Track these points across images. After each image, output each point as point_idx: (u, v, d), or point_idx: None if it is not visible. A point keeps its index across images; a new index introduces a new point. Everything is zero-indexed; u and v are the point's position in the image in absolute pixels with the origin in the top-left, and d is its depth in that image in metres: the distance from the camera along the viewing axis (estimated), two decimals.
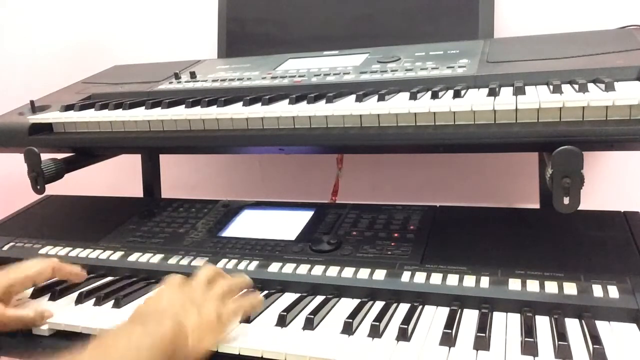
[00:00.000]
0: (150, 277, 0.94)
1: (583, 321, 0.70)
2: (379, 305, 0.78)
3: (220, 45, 1.37)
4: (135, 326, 0.64)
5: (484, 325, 0.69)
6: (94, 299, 0.86)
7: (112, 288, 0.89)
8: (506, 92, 0.79)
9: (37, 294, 0.89)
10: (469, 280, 0.79)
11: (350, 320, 0.72)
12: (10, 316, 0.80)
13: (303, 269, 0.87)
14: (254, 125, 0.89)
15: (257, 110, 0.87)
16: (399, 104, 0.80)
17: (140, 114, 0.95)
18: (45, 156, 1.01)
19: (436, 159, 1.37)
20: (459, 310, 0.75)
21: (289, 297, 0.83)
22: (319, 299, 0.82)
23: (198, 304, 0.70)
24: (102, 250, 1.02)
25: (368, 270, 0.84)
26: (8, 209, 1.28)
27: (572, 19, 1.19)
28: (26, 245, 1.08)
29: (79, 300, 0.86)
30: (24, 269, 0.84)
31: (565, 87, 0.76)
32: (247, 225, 1.06)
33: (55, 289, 0.89)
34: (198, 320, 0.68)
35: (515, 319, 0.73)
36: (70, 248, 1.04)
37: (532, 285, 0.76)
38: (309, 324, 0.73)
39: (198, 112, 0.91)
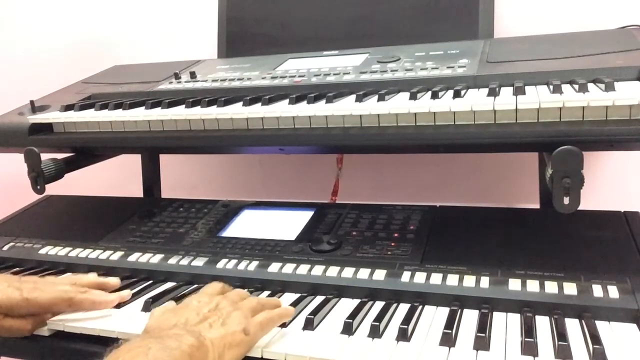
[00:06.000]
0: (150, 277, 0.94)
1: (583, 321, 0.70)
2: (379, 305, 0.78)
3: (220, 45, 1.37)
4: (153, 341, 0.61)
5: (484, 325, 0.69)
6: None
7: None
8: (506, 92, 0.79)
9: None
10: (469, 280, 0.79)
11: (350, 321, 0.72)
12: (7, 327, 0.78)
13: (303, 269, 0.87)
14: (254, 125, 0.89)
15: (257, 110, 0.87)
16: (399, 104, 0.80)
17: (140, 114, 0.95)
18: (45, 156, 1.01)
19: (436, 159, 1.37)
20: (459, 311, 0.75)
21: (289, 297, 0.83)
22: (319, 299, 0.82)
23: (224, 315, 0.68)
24: (102, 250, 1.02)
25: (368, 270, 0.84)
26: (8, 209, 1.28)
27: (572, 19, 1.19)
28: (26, 245, 1.08)
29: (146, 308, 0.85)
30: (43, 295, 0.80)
31: (565, 87, 0.76)
32: (247, 225, 1.06)
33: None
34: (221, 333, 0.65)
35: (515, 319, 0.73)
36: (70, 248, 1.04)
37: (532, 285, 0.76)
38: (309, 324, 0.73)
39: (198, 112, 0.91)
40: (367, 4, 1.25)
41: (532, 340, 0.65)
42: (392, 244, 0.91)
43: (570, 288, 0.74)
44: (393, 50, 1.10)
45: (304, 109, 0.84)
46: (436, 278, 0.80)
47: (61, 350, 0.80)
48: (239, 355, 0.66)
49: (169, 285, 0.92)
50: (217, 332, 0.65)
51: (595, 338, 0.64)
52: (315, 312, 0.76)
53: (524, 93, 0.76)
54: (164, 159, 1.40)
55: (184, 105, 0.94)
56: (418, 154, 1.35)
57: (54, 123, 1.04)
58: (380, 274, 0.83)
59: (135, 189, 1.37)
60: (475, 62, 0.96)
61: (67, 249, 1.04)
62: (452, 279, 0.79)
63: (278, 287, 0.86)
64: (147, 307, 0.82)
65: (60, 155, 1.06)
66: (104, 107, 1.01)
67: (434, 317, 0.75)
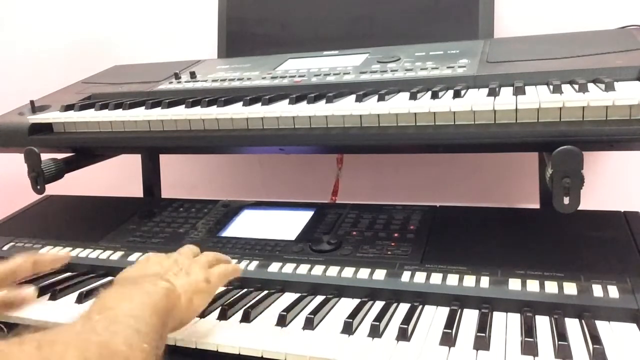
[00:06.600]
0: None
1: (583, 321, 0.70)
2: (379, 305, 0.78)
3: (220, 45, 1.37)
4: (132, 287, 0.65)
5: (484, 325, 0.69)
6: (94, 299, 0.86)
7: None
8: (506, 92, 0.79)
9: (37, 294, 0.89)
10: (469, 280, 0.79)
11: (350, 320, 0.72)
12: None
13: (303, 269, 0.87)
14: (254, 125, 0.89)
15: (257, 110, 0.87)
16: (399, 104, 0.80)
17: (140, 114, 0.95)
18: (45, 156, 1.01)
19: (436, 159, 1.37)
20: (459, 310, 0.75)
21: (289, 297, 0.83)
22: (319, 299, 0.82)
23: (185, 269, 0.72)
24: (102, 250, 1.02)
25: (368, 270, 0.84)
26: (8, 209, 1.28)
27: (572, 19, 1.19)
28: (26, 245, 1.08)
29: (79, 300, 0.86)
30: (2, 265, 0.83)
31: (565, 87, 0.76)
32: (247, 225, 1.06)
33: (55, 289, 0.89)
34: (187, 282, 0.70)
35: (515, 319, 0.73)
36: (70, 248, 1.04)
37: (532, 285, 0.76)
38: (309, 324, 0.73)
39: (198, 112, 0.91)
40: (367, 4, 1.25)
41: (532, 340, 0.65)
42: (392, 244, 0.91)
43: (570, 288, 0.74)
44: (393, 50, 1.10)
45: (304, 109, 0.84)
46: (436, 278, 0.80)
47: None
48: (205, 302, 0.72)
49: None
50: (184, 280, 0.70)
51: (595, 338, 0.64)
52: (315, 311, 0.76)
53: (524, 93, 0.76)
54: (164, 159, 1.40)
55: (184, 105, 0.94)
56: (418, 154, 1.35)
57: (54, 123, 1.04)
58: (380, 274, 0.83)
59: (135, 189, 1.37)
60: (475, 62, 0.96)
61: (67, 249, 1.04)
62: (452, 279, 0.79)
63: (278, 287, 0.86)
64: None
65: (60, 155, 1.06)
66: (104, 107, 1.01)
67: (434, 317, 0.75)
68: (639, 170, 1.23)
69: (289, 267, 0.88)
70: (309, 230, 1.00)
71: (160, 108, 0.96)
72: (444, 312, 0.75)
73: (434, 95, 0.80)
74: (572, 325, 0.69)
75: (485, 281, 0.78)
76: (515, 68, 0.91)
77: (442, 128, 0.78)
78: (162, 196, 1.38)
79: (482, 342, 0.66)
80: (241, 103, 0.90)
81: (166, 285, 0.66)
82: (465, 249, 0.87)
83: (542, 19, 1.23)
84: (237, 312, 0.79)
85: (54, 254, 0.90)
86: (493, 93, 0.77)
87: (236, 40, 1.35)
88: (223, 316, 0.77)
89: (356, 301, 0.80)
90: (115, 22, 1.62)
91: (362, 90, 0.88)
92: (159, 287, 0.65)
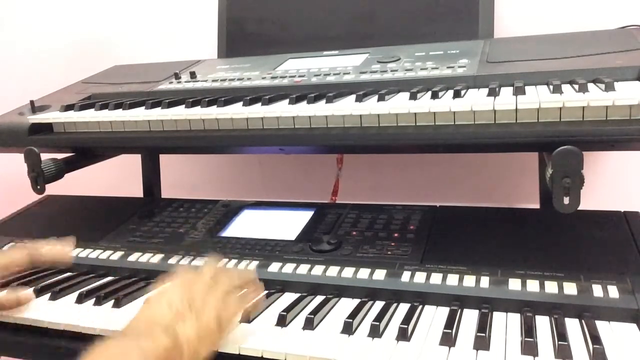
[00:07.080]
0: (150, 277, 0.94)
1: (583, 321, 0.70)
2: (379, 305, 0.78)
3: (220, 45, 1.37)
4: (129, 342, 0.62)
5: (484, 325, 0.69)
6: (94, 299, 0.86)
7: (112, 288, 0.89)
8: (506, 92, 0.79)
9: (36, 294, 0.89)
10: (469, 280, 0.79)
11: (350, 320, 0.72)
12: None
13: (303, 269, 0.87)
14: (254, 125, 0.89)
15: (257, 110, 0.87)
16: (399, 104, 0.80)
17: (140, 114, 0.95)
18: (45, 156, 1.01)
19: (436, 159, 1.37)
20: (459, 310, 0.75)
21: (289, 297, 0.83)
22: (319, 299, 0.82)
23: (198, 309, 0.67)
24: (102, 250, 1.02)
25: (368, 270, 0.84)
26: (8, 209, 1.28)
27: (572, 19, 1.19)
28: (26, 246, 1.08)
29: (79, 300, 0.86)
30: None
31: (565, 87, 0.76)
32: (247, 225, 1.06)
33: (55, 289, 0.89)
34: (196, 328, 0.65)
35: (515, 319, 0.73)
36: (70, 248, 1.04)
37: (532, 285, 0.76)
38: (309, 324, 0.73)
39: (198, 112, 0.91)
40: (367, 3, 1.25)
41: (532, 340, 0.65)
42: (392, 244, 0.91)
43: (570, 288, 0.74)
44: (393, 50, 1.10)
45: (304, 109, 0.84)
46: (436, 278, 0.80)
47: (62, 350, 0.80)
48: (213, 346, 0.67)
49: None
50: (193, 328, 0.65)
51: (595, 338, 0.64)
52: (315, 311, 0.76)
53: (524, 93, 0.76)
54: (164, 159, 1.40)
55: (184, 105, 0.94)
56: (418, 154, 1.35)
57: (54, 123, 1.04)
58: (380, 274, 0.83)
59: (135, 189, 1.37)
60: (475, 62, 0.96)
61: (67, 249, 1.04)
62: (452, 279, 0.79)
63: (278, 287, 0.86)
64: None
65: (60, 155, 1.06)
66: (104, 107, 1.01)
67: (434, 317, 0.75)
68: (639, 170, 1.23)
69: (289, 267, 0.88)
70: (309, 230, 1.00)
71: (160, 108, 0.96)
72: (444, 312, 0.75)
73: (434, 95, 0.80)
74: (572, 325, 0.69)
75: (485, 281, 0.78)
76: (515, 68, 0.91)
77: (442, 128, 0.78)
78: (162, 196, 1.38)
79: (482, 342, 0.66)
80: (241, 103, 0.90)
81: (165, 339, 0.62)
82: (465, 249, 0.87)
83: (542, 19, 1.23)
84: None
85: (55, 252, 0.87)
86: (493, 93, 0.77)
87: (236, 40, 1.35)
88: None
89: (356, 301, 0.80)
90: (115, 22, 1.62)
91: (362, 90, 0.88)
92: (158, 343, 0.62)
